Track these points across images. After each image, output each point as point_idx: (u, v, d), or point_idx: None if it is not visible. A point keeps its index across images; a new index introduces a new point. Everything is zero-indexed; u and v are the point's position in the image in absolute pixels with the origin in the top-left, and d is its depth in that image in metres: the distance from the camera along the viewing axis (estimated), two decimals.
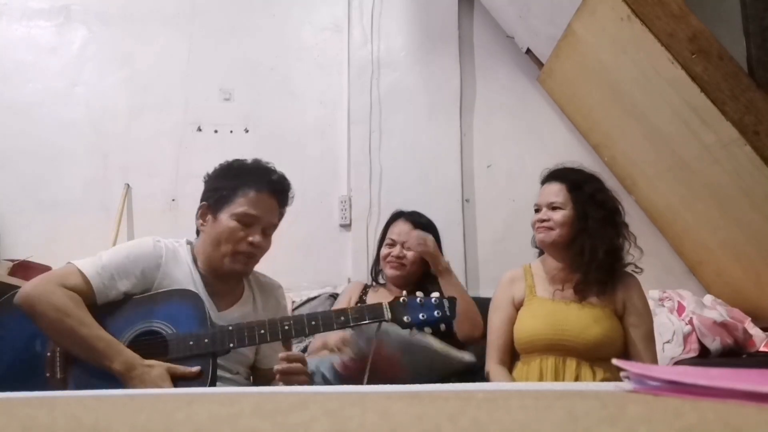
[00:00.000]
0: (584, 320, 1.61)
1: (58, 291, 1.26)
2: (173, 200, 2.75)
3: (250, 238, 1.41)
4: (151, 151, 2.81)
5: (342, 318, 1.32)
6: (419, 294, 1.37)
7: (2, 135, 2.79)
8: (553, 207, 1.70)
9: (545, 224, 1.70)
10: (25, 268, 2.22)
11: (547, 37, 2.57)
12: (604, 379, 1.56)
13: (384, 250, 2.03)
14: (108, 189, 2.75)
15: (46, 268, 2.29)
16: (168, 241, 1.47)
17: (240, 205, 1.41)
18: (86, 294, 1.29)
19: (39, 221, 2.68)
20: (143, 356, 1.24)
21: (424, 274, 2.01)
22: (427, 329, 1.39)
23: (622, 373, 0.52)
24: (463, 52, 2.92)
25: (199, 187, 1.53)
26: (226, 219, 1.41)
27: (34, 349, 1.28)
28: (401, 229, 2.02)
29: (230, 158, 1.55)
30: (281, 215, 1.52)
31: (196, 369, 1.24)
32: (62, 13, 2.96)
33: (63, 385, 1.25)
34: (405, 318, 1.33)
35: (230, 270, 1.43)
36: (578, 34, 2.33)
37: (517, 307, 1.74)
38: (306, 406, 0.40)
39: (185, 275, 1.42)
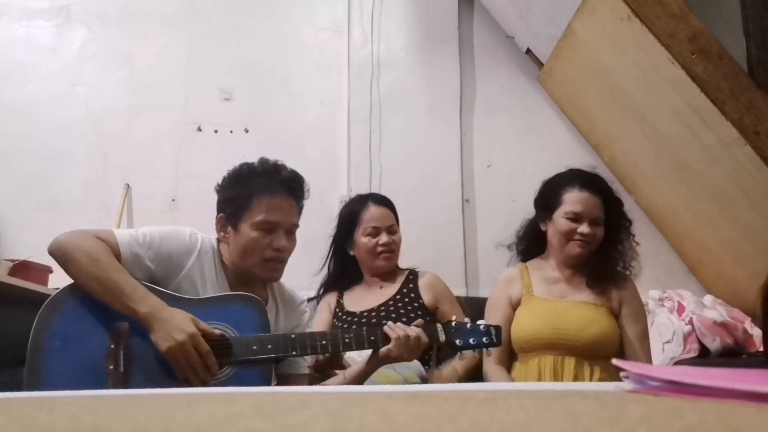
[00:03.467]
0: (582, 319, 1.62)
1: (91, 239, 1.29)
2: (173, 200, 2.75)
3: (275, 244, 1.40)
4: (151, 151, 2.81)
5: None
6: (467, 319, 1.43)
7: (2, 135, 2.79)
8: (596, 223, 1.68)
9: (589, 239, 1.67)
10: (25, 268, 2.22)
11: (547, 37, 2.57)
12: (601, 378, 1.57)
13: (367, 241, 1.88)
14: (108, 189, 2.75)
15: (46, 268, 2.28)
16: (206, 237, 1.47)
17: (258, 213, 1.39)
18: (115, 255, 1.31)
19: (39, 221, 2.67)
20: None
21: None
22: (476, 352, 1.47)
23: (622, 373, 0.52)
24: (463, 52, 2.92)
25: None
26: (247, 230, 1.39)
27: (94, 343, 1.25)
28: (380, 214, 1.90)
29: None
30: (300, 210, 1.50)
31: (218, 331, 1.26)
32: (62, 13, 2.96)
33: (125, 379, 1.23)
34: (457, 341, 1.40)
35: (262, 278, 1.45)
36: (578, 34, 2.33)
37: (515, 306, 1.74)
38: (306, 406, 0.40)
39: (212, 274, 1.42)
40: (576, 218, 1.68)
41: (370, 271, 1.94)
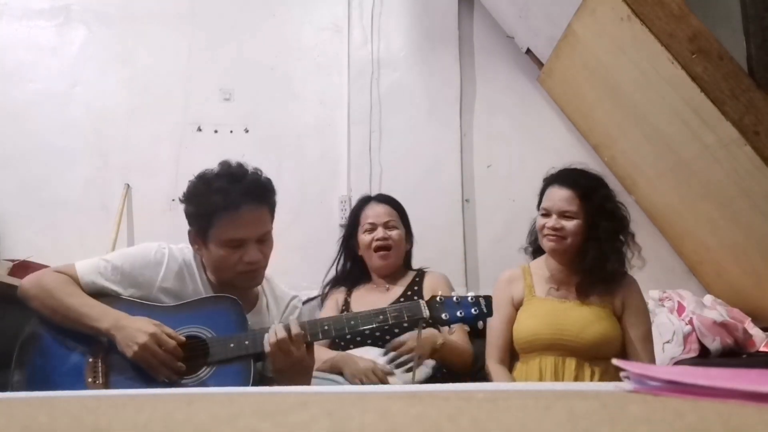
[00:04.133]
0: (584, 320, 1.61)
1: (49, 274, 1.36)
2: (173, 200, 2.74)
3: (246, 258, 1.36)
4: (151, 151, 2.81)
5: (381, 317, 1.34)
6: (454, 293, 1.38)
7: (2, 135, 2.78)
8: (565, 216, 1.66)
9: (558, 233, 1.66)
10: (25, 268, 2.22)
11: (547, 37, 2.57)
12: (602, 379, 1.56)
13: (365, 237, 1.91)
14: (108, 189, 2.75)
15: (46, 269, 2.29)
16: (177, 247, 1.45)
17: (222, 231, 1.34)
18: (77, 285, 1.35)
19: (39, 221, 2.67)
20: (185, 359, 1.26)
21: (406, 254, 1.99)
22: (465, 327, 1.40)
23: (622, 373, 0.52)
24: (463, 52, 2.92)
25: None
26: (214, 248, 1.36)
27: (75, 358, 1.29)
28: (377, 211, 1.93)
29: (230, 159, 1.51)
30: (272, 211, 1.45)
31: (182, 338, 1.27)
32: (62, 13, 2.96)
33: (105, 389, 1.26)
34: (443, 315, 1.34)
35: (241, 288, 1.43)
36: (578, 34, 2.33)
37: (516, 306, 1.74)
38: (306, 406, 0.40)
39: (192, 282, 1.42)
40: (546, 213, 1.70)
41: (375, 272, 1.95)
